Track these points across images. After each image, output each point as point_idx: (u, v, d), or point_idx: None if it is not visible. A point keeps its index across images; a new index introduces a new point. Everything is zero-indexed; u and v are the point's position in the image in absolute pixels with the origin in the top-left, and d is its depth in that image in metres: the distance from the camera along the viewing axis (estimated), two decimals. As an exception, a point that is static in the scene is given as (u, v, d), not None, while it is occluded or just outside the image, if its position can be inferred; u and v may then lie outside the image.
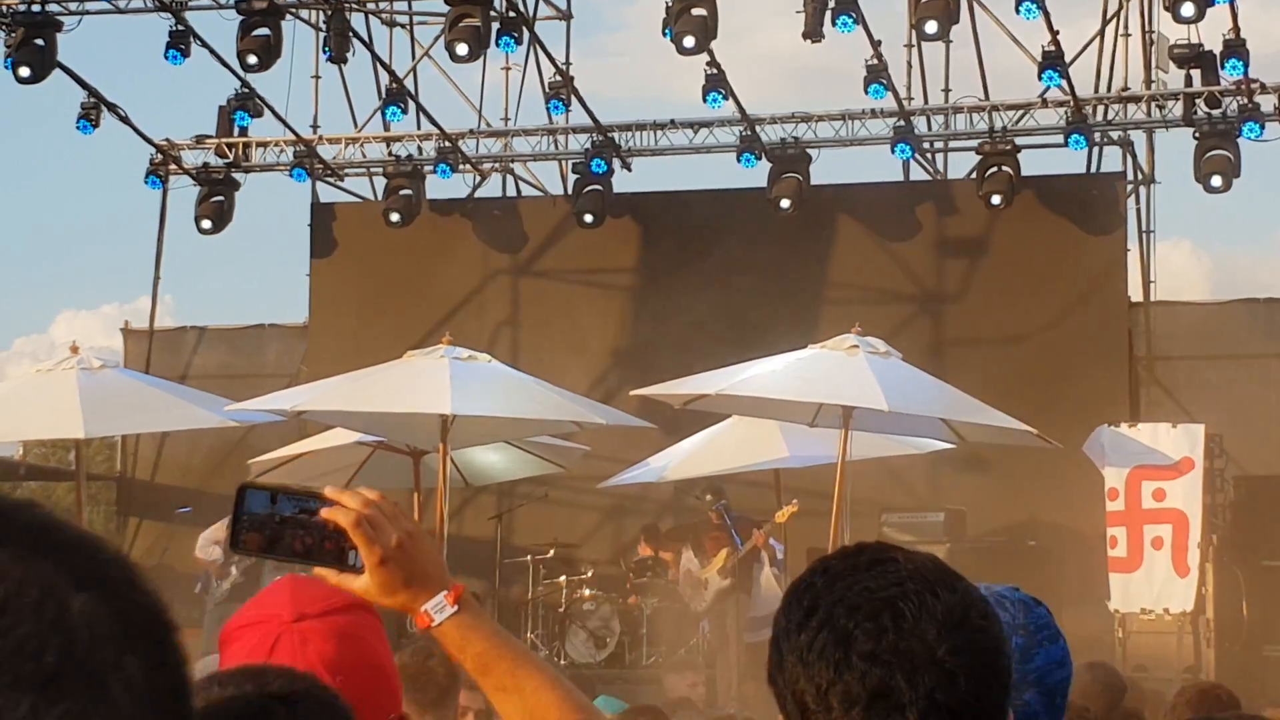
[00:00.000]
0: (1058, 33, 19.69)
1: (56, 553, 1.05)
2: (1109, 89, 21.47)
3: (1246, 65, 19.67)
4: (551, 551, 19.41)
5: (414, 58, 23.61)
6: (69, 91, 21.30)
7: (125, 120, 22.09)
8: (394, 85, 22.29)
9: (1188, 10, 18.84)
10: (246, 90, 22.07)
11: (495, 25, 19.94)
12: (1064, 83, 20.25)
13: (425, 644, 6.60)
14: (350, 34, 21.62)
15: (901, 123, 21.19)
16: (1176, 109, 20.65)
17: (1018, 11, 19.20)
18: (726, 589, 17.33)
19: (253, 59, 20.31)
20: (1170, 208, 49.47)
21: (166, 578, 21.30)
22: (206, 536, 18.89)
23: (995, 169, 20.79)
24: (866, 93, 20.35)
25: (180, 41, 20.48)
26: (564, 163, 23.24)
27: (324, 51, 22.20)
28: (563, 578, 18.70)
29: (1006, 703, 2.12)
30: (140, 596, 1.05)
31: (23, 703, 1.00)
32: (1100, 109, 21.19)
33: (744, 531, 17.54)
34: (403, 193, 22.62)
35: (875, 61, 20.10)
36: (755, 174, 21.67)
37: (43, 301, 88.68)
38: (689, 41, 19.03)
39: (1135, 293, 21.70)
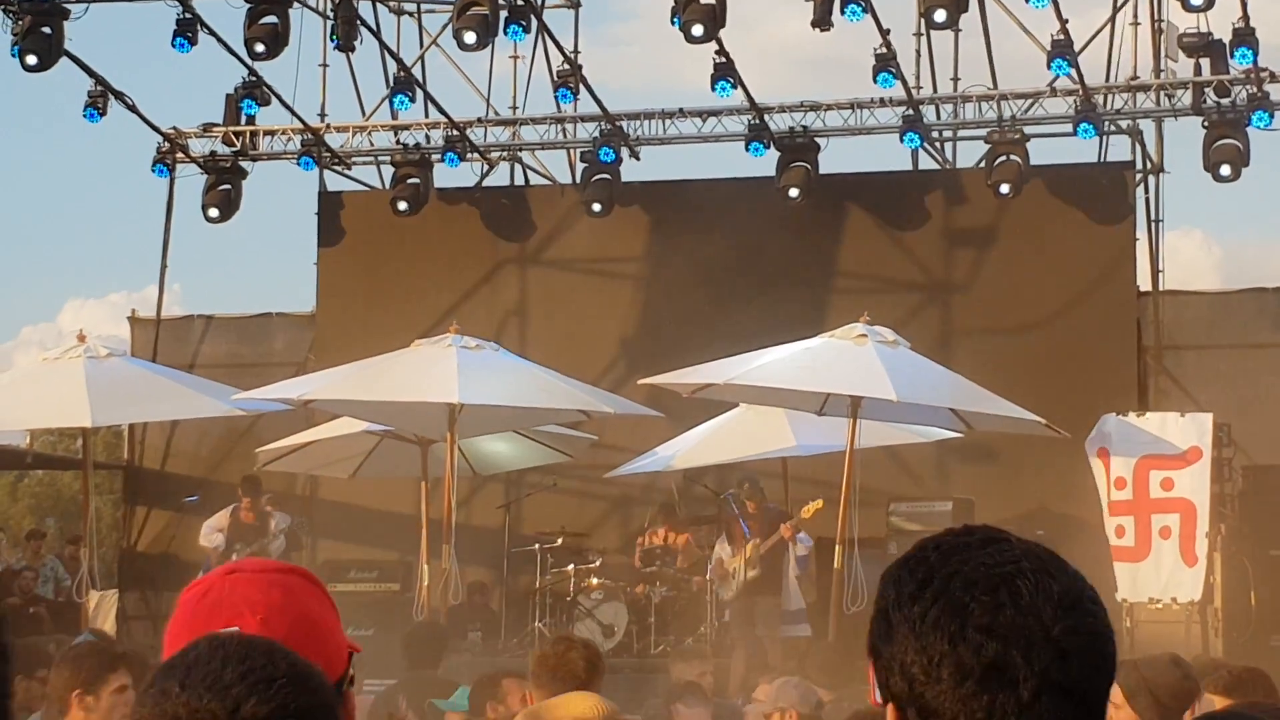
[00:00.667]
0: (1067, 21, 19.66)
1: None
2: (1118, 78, 21.43)
3: (1256, 54, 19.63)
4: (559, 540, 19.41)
5: (422, 46, 23.59)
6: (76, 80, 21.30)
7: (132, 109, 22.08)
8: (402, 74, 22.26)
9: (1197, -1, 18.82)
10: (254, 78, 22.04)
11: (503, 13, 19.90)
12: (1073, 72, 20.22)
13: (566, 635, 6.64)
14: (358, 22, 21.58)
15: (910, 111, 21.16)
16: (1186, 98, 20.61)
17: (1027, 0, 19.16)
18: (753, 580, 17.30)
19: (260, 47, 20.28)
20: (1181, 197, 49.46)
21: (173, 566, 21.33)
22: (210, 524, 18.96)
23: (1004, 158, 20.75)
24: (875, 81, 20.32)
25: (188, 29, 20.46)
26: (572, 151, 23.20)
27: (332, 40, 22.16)
28: (571, 566, 18.70)
29: (1109, 690, 2.12)
30: None
31: None
32: (1109, 98, 21.15)
33: (776, 520, 17.56)
34: (410, 181, 22.60)
35: (884, 50, 20.06)
36: (764, 163, 21.64)
37: (50, 290, 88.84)
38: (698, 30, 19.01)
39: (1144, 282, 21.67)
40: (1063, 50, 19.78)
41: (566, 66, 21.54)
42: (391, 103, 22.63)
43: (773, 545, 17.26)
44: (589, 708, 5.42)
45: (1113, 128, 21.70)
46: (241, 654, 2.22)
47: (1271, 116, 20.07)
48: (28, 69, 19.58)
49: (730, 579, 17.55)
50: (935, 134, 22.32)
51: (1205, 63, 20.31)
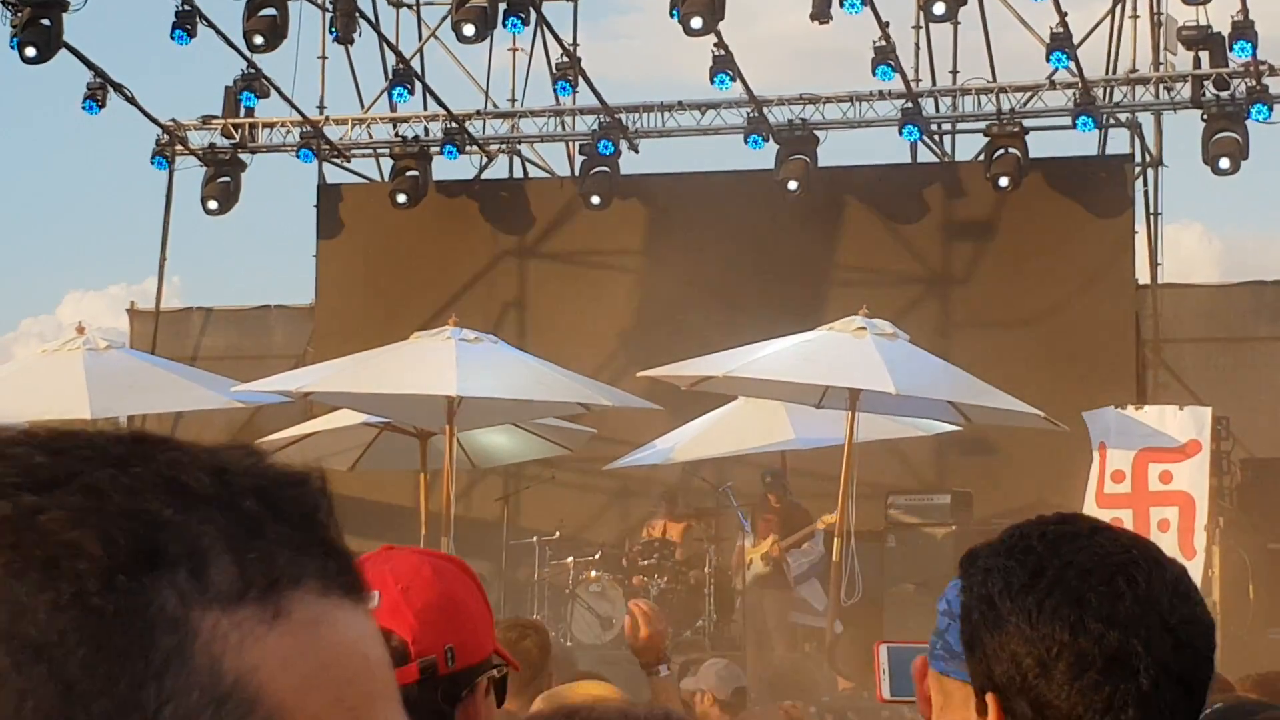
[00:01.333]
0: (1066, 14, 19.66)
1: None
2: (1117, 71, 21.42)
3: (1255, 47, 19.63)
4: (558, 533, 19.41)
5: (421, 38, 23.57)
6: (75, 72, 21.29)
7: (131, 101, 22.07)
8: (401, 66, 22.25)
9: (1196, -9, 18.83)
10: (253, 71, 22.03)
11: (502, 6, 19.92)
12: (1072, 65, 20.21)
13: (517, 621, 6.57)
14: (357, 14, 21.57)
15: (909, 104, 21.14)
16: (1185, 91, 20.60)
17: (1026, -7, 19.18)
18: (764, 575, 17.37)
19: (259, 39, 20.29)
20: (1181, 190, 49.31)
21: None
22: None
23: (1003, 151, 20.75)
24: (874, 74, 20.33)
25: (186, 21, 20.45)
26: (571, 144, 23.20)
27: (330, 32, 22.15)
28: (569, 559, 18.70)
29: (1211, 680, 2.12)
30: None
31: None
32: (1108, 91, 21.15)
33: (796, 517, 17.60)
34: (409, 174, 22.60)
35: (883, 43, 20.06)
36: (763, 155, 21.65)
37: (49, 282, 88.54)
38: (696, 22, 19.00)
39: (1143, 275, 21.67)
40: (1062, 43, 19.78)
41: (565, 59, 21.53)
42: (390, 95, 22.63)
43: (796, 542, 17.34)
44: (608, 689, 5.48)
45: (1112, 121, 21.69)
46: None
47: (1271, 110, 20.06)
48: (26, 61, 19.57)
49: (744, 569, 17.61)
50: (934, 127, 22.31)
51: (1204, 56, 20.30)
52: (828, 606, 17.71)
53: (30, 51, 19.50)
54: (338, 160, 23.86)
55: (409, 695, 2.46)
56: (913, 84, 21.32)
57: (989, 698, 2.11)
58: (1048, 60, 20.02)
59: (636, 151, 22.65)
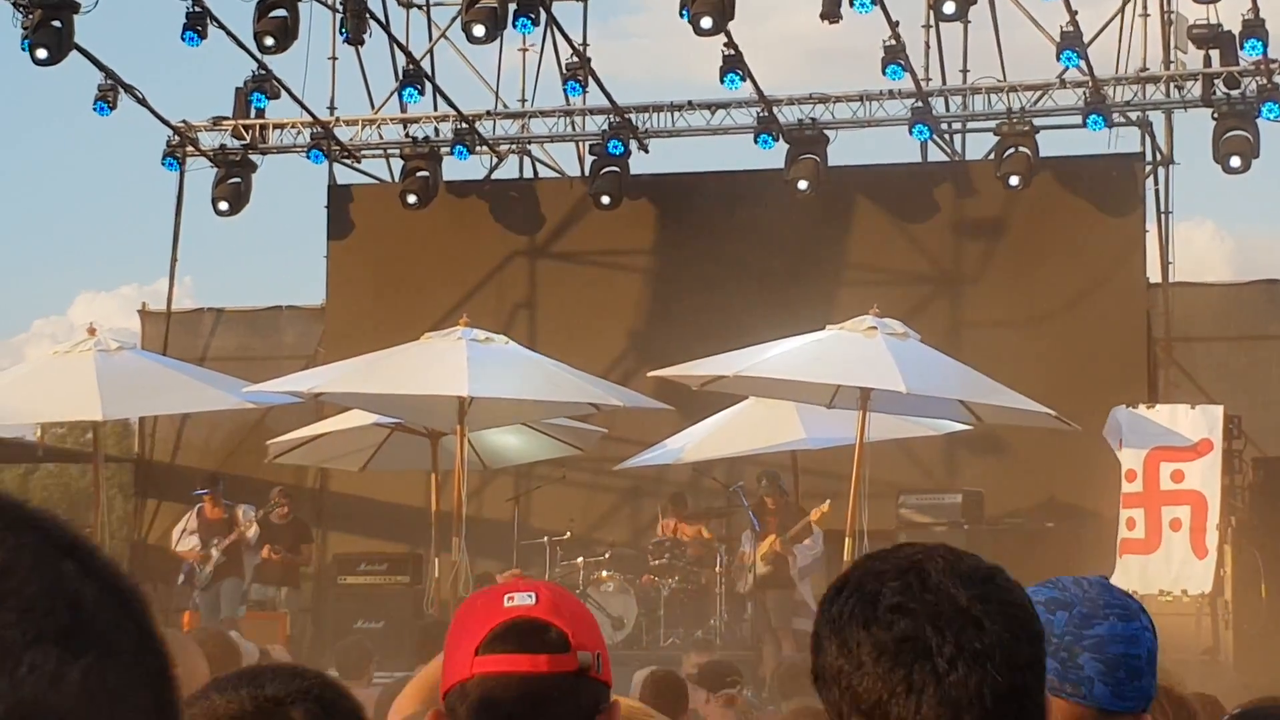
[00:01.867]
0: (1076, 13, 19.64)
1: (34, 524, 1.07)
2: (1127, 70, 21.40)
3: (1266, 45, 19.59)
4: (569, 533, 19.42)
5: (431, 39, 23.58)
6: (86, 73, 21.31)
7: (142, 102, 22.08)
8: (411, 67, 22.26)
9: (1207, -10, 18.80)
10: (263, 72, 22.06)
11: (512, 6, 19.91)
12: (1082, 63, 20.18)
13: None
14: (367, 15, 21.59)
15: (919, 104, 21.13)
16: (1195, 89, 20.58)
17: (1036, -8, 19.16)
18: (766, 575, 17.40)
19: (270, 40, 20.31)
20: (1193, 188, 49.38)
21: (182, 561, 21.33)
22: (180, 529, 19.10)
23: (1013, 150, 20.73)
24: (884, 74, 20.32)
25: (197, 23, 20.48)
26: (581, 144, 23.20)
27: (341, 33, 22.16)
28: (580, 559, 18.71)
29: (1043, 658, 2.17)
30: (114, 567, 1.08)
31: (50, 656, 1.00)
32: (1119, 90, 21.12)
33: (795, 516, 17.61)
34: (420, 174, 22.61)
35: (893, 42, 20.05)
36: (773, 155, 21.64)
37: (61, 283, 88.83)
38: (706, 22, 19.00)
39: (1154, 274, 21.65)
40: (1072, 42, 19.76)
41: (575, 59, 21.53)
42: (400, 96, 22.64)
43: (780, 553, 17.35)
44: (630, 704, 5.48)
45: (1122, 119, 21.66)
46: (274, 665, 2.44)
47: (1281, 108, 20.03)
48: (38, 63, 19.59)
49: (747, 573, 17.63)
50: (944, 126, 22.30)
51: (1215, 54, 20.28)
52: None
53: (42, 53, 19.53)
54: (348, 161, 23.88)
55: (566, 683, 2.60)
56: (923, 83, 21.31)
57: None
58: (1058, 59, 20.00)
59: (646, 151, 22.64)
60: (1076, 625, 2.75)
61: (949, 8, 19.77)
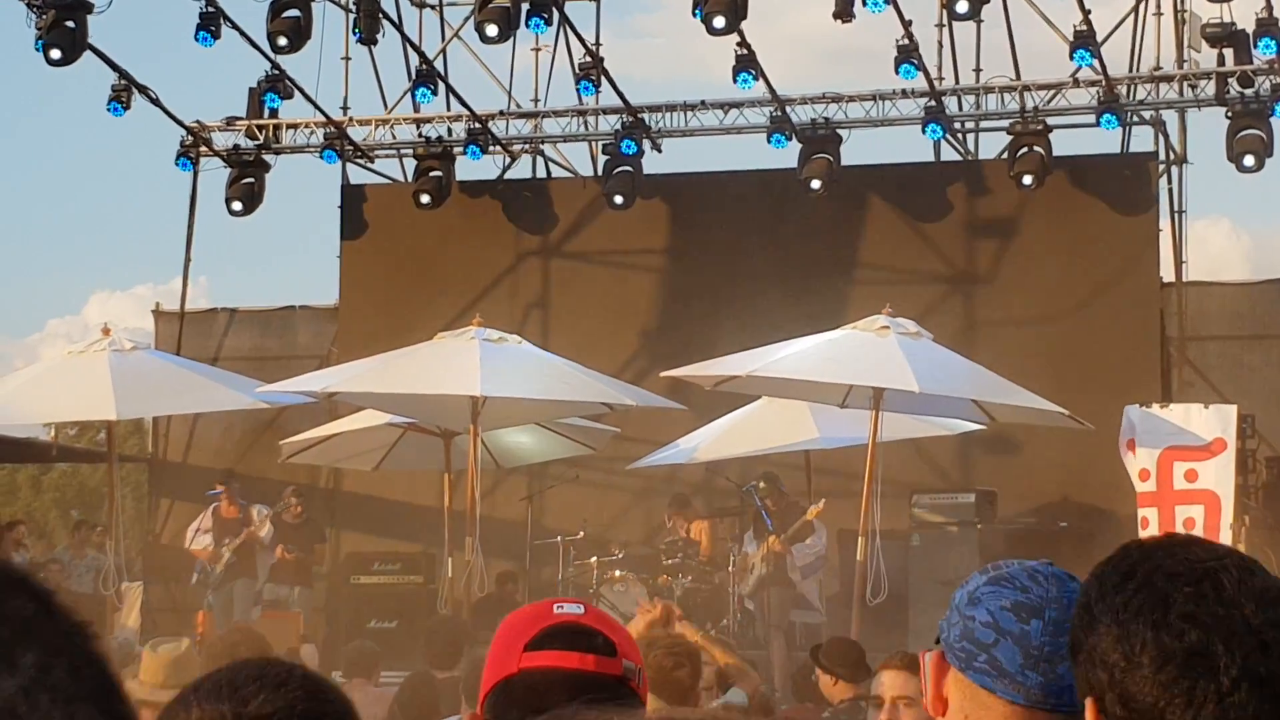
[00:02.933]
0: (1089, 12, 19.62)
1: None
2: (1141, 69, 21.38)
3: (1279, 44, 19.57)
4: (582, 533, 19.44)
5: (444, 39, 23.61)
6: (100, 74, 21.35)
7: (156, 102, 22.11)
8: (424, 66, 22.28)
9: (1220, -11, 18.78)
10: (277, 72, 22.08)
11: (525, 6, 19.93)
12: (1096, 62, 20.17)
13: (675, 651, 6.55)
14: (380, 15, 21.61)
15: (932, 103, 21.12)
16: (1209, 88, 20.55)
17: (1049, -9, 19.14)
18: (765, 576, 17.43)
19: (283, 40, 20.33)
20: (1209, 186, 49.33)
21: (196, 560, 21.36)
22: (194, 528, 19.08)
23: (1027, 149, 20.71)
24: (897, 73, 20.29)
25: (210, 23, 20.51)
26: (594, 144, 23.22)
27: (354, 33, 22.17)
28: (593, 559, 18.72)
29: None
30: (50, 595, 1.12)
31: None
32: (1132, 89, 21.10)
33: (794, 516, 17.62)
34: (433, 174, 22.63)
35: (906, 41, 20.03)
36: (786, 155, 21.63)
37: (76, 283, 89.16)
38: (719, 22, 19.00)
39: (1167, 273, 21.62)
40: (1085, 41, 19.74)
41: (588, 59, 21.53)
42: (414, 96, 22.66)
43: (779, 553, 17.38)
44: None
45: (1136, 118, 21.65)
46: (260, 666, 2.30)
47: (1295, 106, 20.01)
48: (52, 63, 19.63)
49: (749, 574, 17.65)
50: (958, 125, 22.29)
51: (1229, 53, 20.25)
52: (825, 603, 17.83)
53: (55, 54, 19.56)
54: (361, 161, 23.90)
55: (609, 685, 2.66)
56: (936, 82, 21.30)
57: (1088, 703, 2.15)
58: (1071, 58, 19.99)
59: (659, 151, 22.65)
60: (1053, 635, 2.68)
61: (962, 7, 19.75)
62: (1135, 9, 21.60)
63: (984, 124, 22.55)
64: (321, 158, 23.13)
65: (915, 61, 20.16)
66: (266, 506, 19.21)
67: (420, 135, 23.12)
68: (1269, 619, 2.07)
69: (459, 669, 11.23)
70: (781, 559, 17.43)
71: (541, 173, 24.17)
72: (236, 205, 23.00)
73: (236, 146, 23.25)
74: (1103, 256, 21.19)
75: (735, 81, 20.35)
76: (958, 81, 21.97)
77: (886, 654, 6.96)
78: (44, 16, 19.51)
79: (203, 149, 23.34)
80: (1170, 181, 21.93)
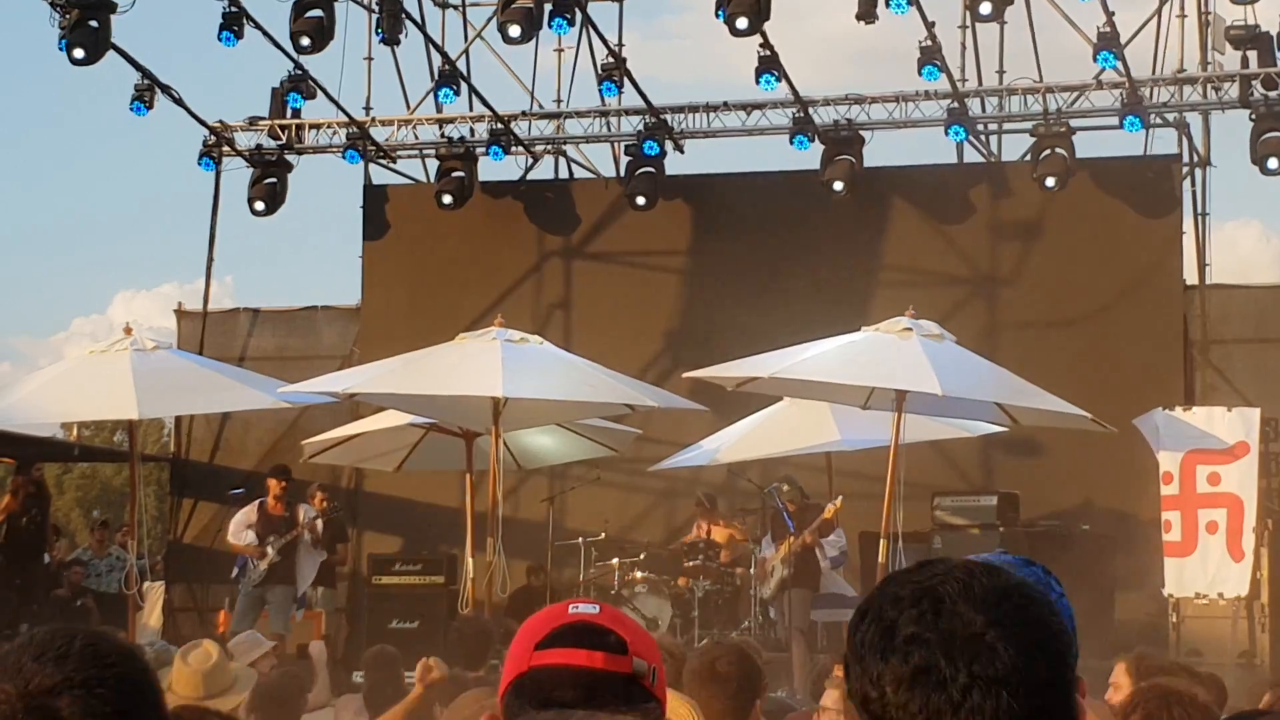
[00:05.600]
0: (1113, 14, 19.58)
1: None
2: (1164, 71, 21.32)
3: (1304, 47, 19.52)
4: (603, 534, 19.43)
5: (466, 39, 23.62)
6: (123, 73, 21.38)
7: (179, 102, 22.14)
8: (446, 67, 22.28)
9: (1245, -9, 18.72)
10: (299, 72, 22.10)
11: (548, 7, 19.93)
12: (1119, 64, 20.12)
13: (725, 653, 6.41)
14: (403, 15, 21.61)
15: (955, 104, 21.09)
16: (1233, 90, 20.49)
17: (1073, -8, 19.09)
18: (786, 578, 17.40)
19: (306, 40, 20.36)
20: (1240, 189, 49.19)
21: (218, 558, 21.41)
22: (238, 522, 18.94)
23: (1049, 151, 20.67)
24: (920, 74, 20.27)
25: (233, 23, 20.53)
26: (616, 145, 23.21)
27: (376, 33, 22.18)
28: (615, 560, 18.71)
29: (1067, 674, 2.16)
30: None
31: None
32: (1156, 91, 21.05)
33: (814, 518, 17.59)
34: (455, 175, 22.64)
35: (929, 43, 20.00)
36: (808, 156, 21.61)
37: (101, 282, 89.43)
38: (742, 23, 18.98)
39: (1190, 276, 21.55)
40: (1109, 43, 19.70)
41: (611, 60, 21.53)
42: (436, 96, 22.67)
43: (809, 544, 17.35)
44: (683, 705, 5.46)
45: (1159, 121, 21.59)
46: (44, 640, 2.32)
47: (1320, 109, 19.93)
48: (75, 62, 19.66)
49: (769, 578, 17.61)
50: (980, 127, 22.24)
51: (1253, 55, 20.19)
52: (852, 598, 17.77)
53: (79, 53, 19.59)
54: (384, 161, 23.92)
55: (618, 683, 2.68)
56: (959, 84, 21.27)
57: None
58: (1095, 60, 19.94)
59: (682, 152, 22.64)
60: None
61: (985, 8, 19.71)
62: (1159, 11, 21.56)
63: (1007, 126, 22.51)
64: (344, 158, 23.14)
65: (938, 63, 20.13)
66: (312, 507, 19.11)
67: (442, 136, 23.13)
68: (992, 619, 2.11)
69: (483, 670, 11.23)
70: (803, 558, 17.37)
71: (563, 173, 24.18)
72: (259, 205, 23.03)
73: (259, 146, 23.28)
74: (1126, 259, 21.13)
75: (757, 83, 20.33)
76: (980, 83, 21.93)
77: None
78: (67, 16, 19.54)
79: (225, 149, 23.37)
80: (1194, 184, 21.88)
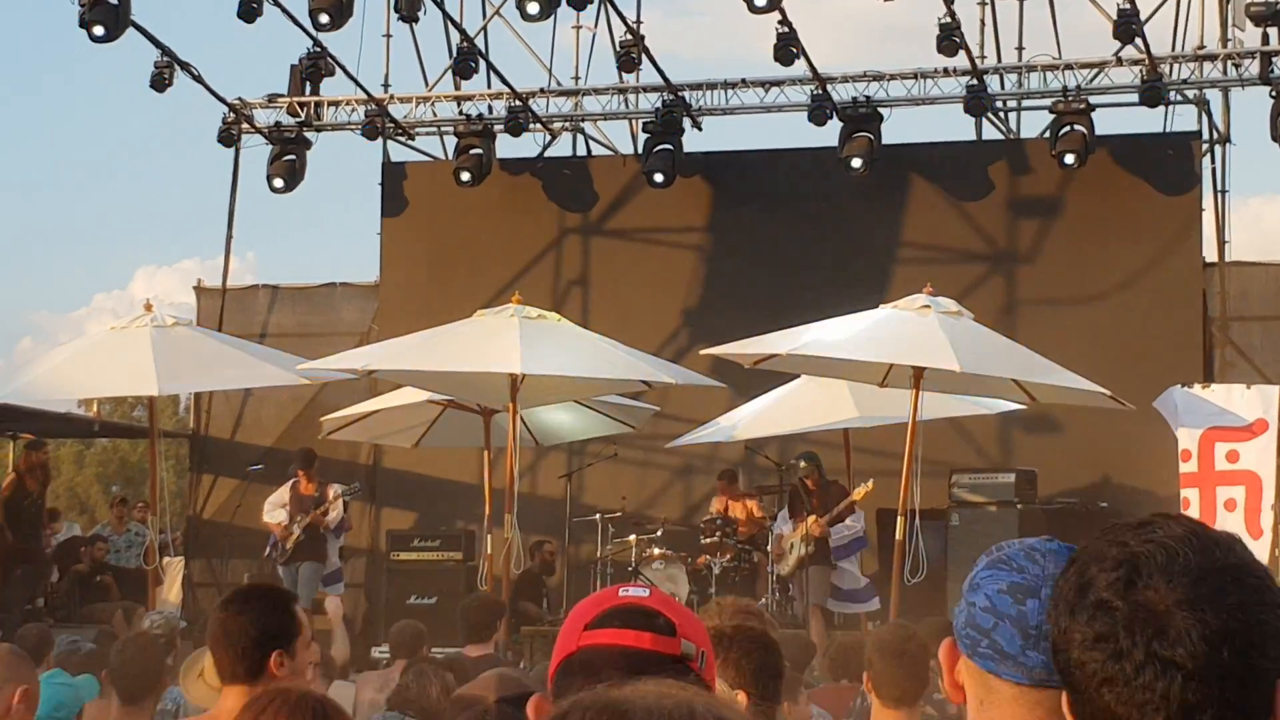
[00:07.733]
0: (1133, -10, 19.53)
1: None
2: (1184, 47, 21.27)
3: (1325, 23, 19.46)
4: (620, 511, 19.46)
5: (485, 16, 23.61)
6: (143, 51, 21.39)
7: (198, 79, 22.16)
8: (465, 44, 22.28)
9: (1265, -33, 18.65)
10: (318, 49, 22.10)
11: (566, -16, 19.91)
12: (1139, 41, 20.07)
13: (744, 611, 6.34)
14: (421, -7, 21.60)
15: (974, 81, 21.05)
16: (1253, 67, 20.44)
17: (1093, -31, 19.03)
18: (805, 556, 17.42)
19: (325, 18, 20.36)
20: (1263, 165, 49.05)
21: (238, 534, 21.48)
22: (272, 501, 19.07)
23: (1069, 128, 20.63)
24: (939, 51, 20.23)
25: (253, 1, 20.53)
26: (634, 122, 23.20)
27: (395, 10, 22.19)
28: (632, 537, 18.73)
29: (1258, 667, 2.07)
30: None
31: None
32: (1176, 67, 21.00)
33: (835, 496, 17.60)
34: (473, 152, 22.65)
35: (948, 20, 19.97)
36: (827, 133, 21.58)
37: (122, 257, 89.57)
38: (760, 0, 18.97)
39: (1210, 253, 21.52)
40: (1129, 19, 19.65)
41: (629, 37, 21.51)
42: (454, 73, 22.66)
43: (834, 520, 17.37)
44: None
45: (1179, 98, 21.54)
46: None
47: (1340, 86, 19.87)
48: (94, 40, 19.68)
49: (787, 555, 17.63)
50: (1000, 104, 22.20)
51: (1273, 32, 20.14)
52: (864, 588, 17.80)
53: (98, 30, 19.61)
54: (402, 138, 23.93)
55: (666, 664, 2.72)
56: (978, 61, 21.22)
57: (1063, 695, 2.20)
58: (1114, 36, 19.89)
59: (700, 129, 22.63)
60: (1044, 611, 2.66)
61: (1005, -15, 19.67)
62: (1179, -13, 21.49)
63: (1026, 103, 22.48)
64: (362, 135, 23.15)
65: (958, 40, 20.09)
66: (343, 485, 19.20)
67: (461, 113, 23.13)
68: (1186, 597, 2.07)
69: (492, 645, 11.26)
70: (824, 540, 17.42)
71: (582, 151, 24.17)
72: (278, 182, 23.05)
73: (278, 124, 23.32)
74: (1145, 236, 21.10)
75: (776, 59, 20.30)
76: (1000, 60, 21.89)
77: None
78: (87, -7, 19.54)
79: (244, 126, 23.40)
80: (1214, 161, 21.84)
